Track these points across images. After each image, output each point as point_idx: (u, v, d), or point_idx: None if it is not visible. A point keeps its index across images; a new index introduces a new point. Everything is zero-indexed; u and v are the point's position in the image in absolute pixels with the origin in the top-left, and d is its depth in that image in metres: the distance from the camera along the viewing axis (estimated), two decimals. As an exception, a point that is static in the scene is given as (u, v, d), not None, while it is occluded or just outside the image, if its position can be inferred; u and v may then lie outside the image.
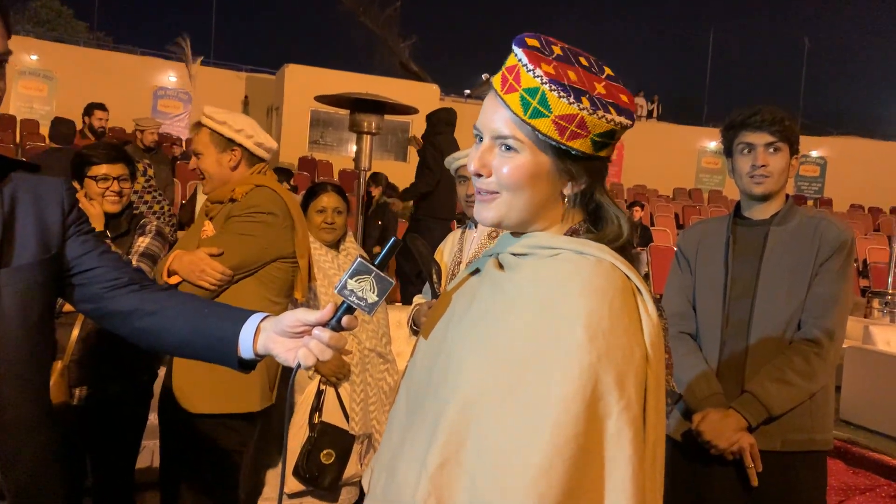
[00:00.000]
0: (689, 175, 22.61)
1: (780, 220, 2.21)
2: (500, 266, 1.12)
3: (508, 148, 1.07)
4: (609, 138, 1.06)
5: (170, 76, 19.48)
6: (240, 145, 2.45)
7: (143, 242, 2.70)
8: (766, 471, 2.06)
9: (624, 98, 1.07)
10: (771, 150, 2.16)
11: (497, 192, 1.10)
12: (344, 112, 6.02)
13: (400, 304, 6.47)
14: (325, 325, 1.22)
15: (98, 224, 2.59)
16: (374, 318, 3.16)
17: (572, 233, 1.11)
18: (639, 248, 10.16)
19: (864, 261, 12.53)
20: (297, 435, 2.89)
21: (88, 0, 30.98)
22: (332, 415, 2.95)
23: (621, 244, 1.09)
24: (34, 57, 18.25)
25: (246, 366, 1.36)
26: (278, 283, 2.44)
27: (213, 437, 2.35)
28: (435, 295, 2.62)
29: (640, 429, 1.00)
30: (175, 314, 1.40)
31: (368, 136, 5.53)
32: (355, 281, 1.16)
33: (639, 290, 1.05)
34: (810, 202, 20.90)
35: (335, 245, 3.12)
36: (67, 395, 2.45)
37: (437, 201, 6.44)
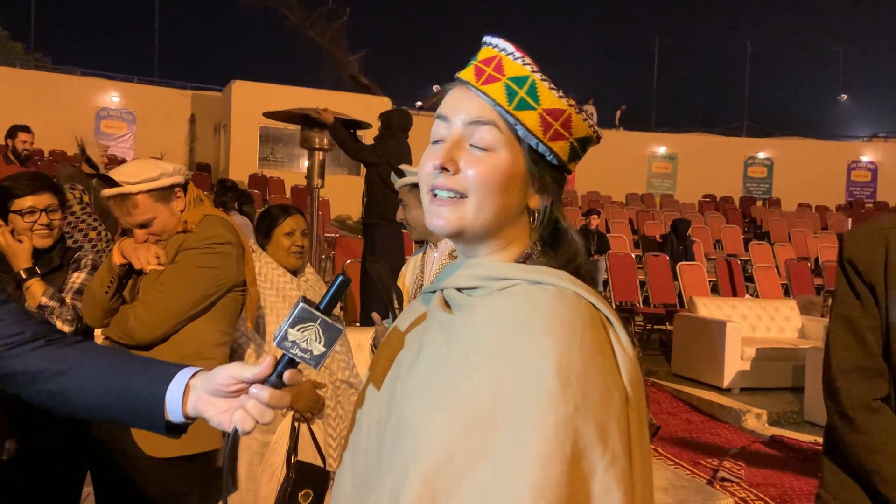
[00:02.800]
0: (640, 180, 22.88)
1: None
2: (447, 304, 0.97)
3: (482, 148, 0.94)
4: (583, 148, 0.99)
5: (112, 96, 19.00)
6: (176, 185, 2.30)
7: (77, 278, 2.49)
8: None
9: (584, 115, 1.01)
10: None
11: (464, 196, 0.95)
12: (294, 127, 5.85)
13: (359, 325, 6.28)
14: (263, 381, 1.06)
15: (25, 261, 2.39)
16: (343, 346, 3.00)
17: (525, 258, 0.98)
18: (596, 256, 10.15)
19: (816, 259, 12.75)
20: (274, 476, 2.73)
21: (25, 20, 30.07)
22: (305, 452, 2.79)
23: (575, 267, 0.97)
24: (-32, 80, 17.64)
25: (174, 430, 1.18)
26: (230, 312, 2.35)
27: (164, 481, 2.19)
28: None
29: (630, 484, 0.87)
30: (89, 373, 1.21)
31: (320, 153, 5.38)
32: (297, 330, 0.99)
33: (609, 320, 0.93)
34: (759, 203, 21.28)
35: (295, 273, 2.95)
36: (-5, 450, 2.24)
37: (387, 205, 6.07)
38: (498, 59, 0.95)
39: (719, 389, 7.07)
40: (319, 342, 1.00)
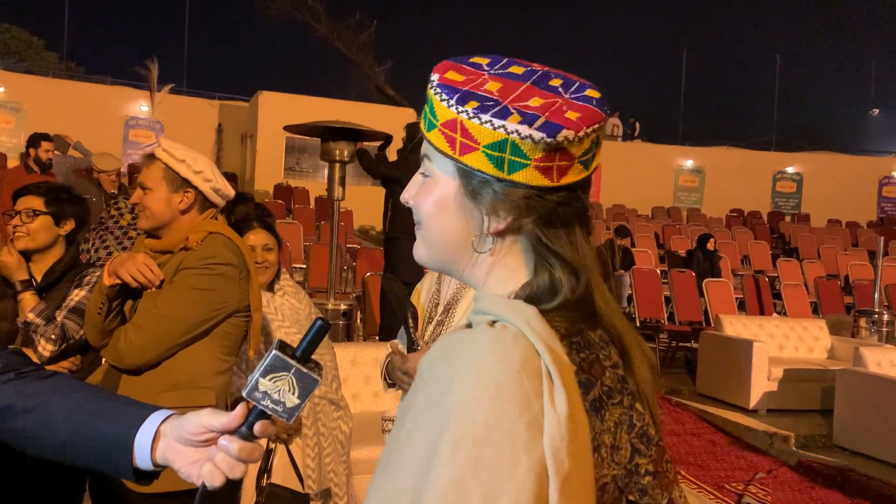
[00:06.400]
0: (667, 194, 22.60)
1: None
2: None
3: (425, 175, 0.92)
4: (514, 154, 0.81)
5: (141, 105, 19.17)
6: (195, 188, 2.20)
7: (76, 295, 2.43)
8: None
9: (570, 116, 0.82)
10: None
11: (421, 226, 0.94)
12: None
13: (377, 338, 6.21)
14: (234, 431, 0.98)
15: (20, 273, 2.36)
16: (322, 362, 2.90)
17: (525, 291, 0.87)
18: (621, 272, 10.01)
19: (847, 277, 12.46)
20: (243, 503, 2.63)
21: (59, 30, 30.63)
22: (282, 474, 2.68)
23: (570, 300, 0.84)
24: (1, 89, 17.92)
25: (144, 477, 1.10)
26: (230, 339, 2.21)
27: None
28: (410, 341, 2.42)
29: None
30: (57, 411, 1.14)
31: (339, 165, 5.33)
32: (269, 380, 0.92)
33: (549, 372, 0.76)
34: (788, 218, 20.93)
35: (269, 286, 2.86)
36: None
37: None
38: None
39: (745, 410, 6.90)
40: (293, 393, 0.92)
